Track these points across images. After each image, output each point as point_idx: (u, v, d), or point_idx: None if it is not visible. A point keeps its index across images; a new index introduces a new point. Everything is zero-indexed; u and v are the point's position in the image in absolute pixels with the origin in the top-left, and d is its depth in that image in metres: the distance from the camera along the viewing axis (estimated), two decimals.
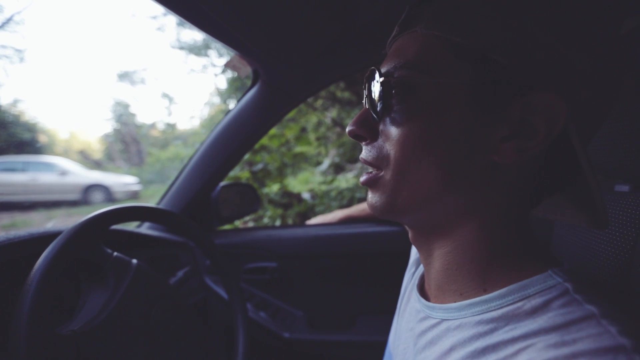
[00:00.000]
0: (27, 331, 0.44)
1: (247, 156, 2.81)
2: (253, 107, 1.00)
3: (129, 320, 0.58)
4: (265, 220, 3.01)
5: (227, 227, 1.50)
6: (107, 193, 5.02)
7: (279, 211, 3.03)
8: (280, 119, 1.10)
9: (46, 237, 0.62)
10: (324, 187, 3.39)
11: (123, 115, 8.28)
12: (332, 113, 3.83)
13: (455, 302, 0.35)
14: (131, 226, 1.04)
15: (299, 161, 3.60)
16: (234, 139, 1.03)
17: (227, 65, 0.91)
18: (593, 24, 0.30)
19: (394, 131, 0.34)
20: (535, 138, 0.31)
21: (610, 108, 0.34)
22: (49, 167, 4.81)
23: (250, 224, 3.08)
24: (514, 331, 0.29)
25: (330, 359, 1.05)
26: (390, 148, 0.35)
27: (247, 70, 0.94)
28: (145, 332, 0.60)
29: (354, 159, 3.80)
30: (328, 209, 2.98)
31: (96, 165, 7.22)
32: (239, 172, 2.93)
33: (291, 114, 3.27)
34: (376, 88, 0.35)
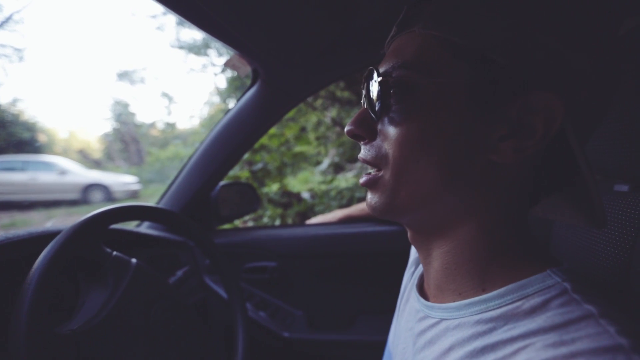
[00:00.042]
0: (27, 330, 0.44)
1: (246, 156, 2.81)
2: (252, 107, 1.00)
3: (129, 319, 0.58)
4: (265, 219, 3.01)
5: (226, 226, 1.50)
6: (107, 192, 5.02)
7: (279, 211, 3.03)
8: (280, 119, 1.10)
9: (45, 237, 0.62)
10: (323, 187, 3.39)
11: (122, 114, 8.27)
12: (332, 112, 3.82)
13: (454, 301, 0.35)
14: (131, 225, 1.03)
15: (299, 161, 3.61)
16: (233, 139, 1.03)
17: (227, 65, 0.91)
18: (592, 24, 0.30)
19: (392, 131, 0.34)
20: (532, 137, 0.31)
21: (608, 108, 0.34)
22: (48, 166, 4.80)
23: (250, 224, 3.09)
24: (512, 331, 0.29)
25: (329, 358, 1.05)
26: (388, 148, 0.35)
27: (247, 69, 0.93)
28: (144, 331, 0.60)
29: (353, 159, 3.80)
30: (328, 209, 2.99)
31: (96, 164, 7.22)
32: (239, 172, 2.93)
33: (291, 114, 3.28)
34: (374, 88, 0.35)
